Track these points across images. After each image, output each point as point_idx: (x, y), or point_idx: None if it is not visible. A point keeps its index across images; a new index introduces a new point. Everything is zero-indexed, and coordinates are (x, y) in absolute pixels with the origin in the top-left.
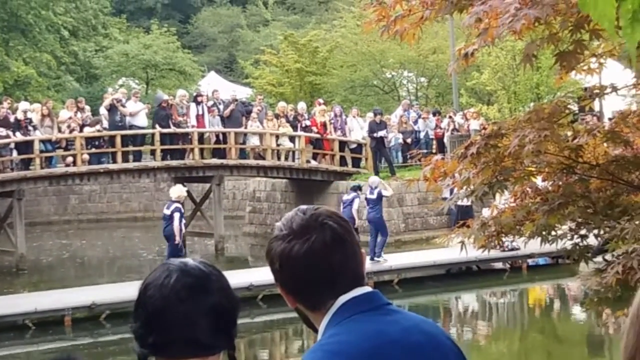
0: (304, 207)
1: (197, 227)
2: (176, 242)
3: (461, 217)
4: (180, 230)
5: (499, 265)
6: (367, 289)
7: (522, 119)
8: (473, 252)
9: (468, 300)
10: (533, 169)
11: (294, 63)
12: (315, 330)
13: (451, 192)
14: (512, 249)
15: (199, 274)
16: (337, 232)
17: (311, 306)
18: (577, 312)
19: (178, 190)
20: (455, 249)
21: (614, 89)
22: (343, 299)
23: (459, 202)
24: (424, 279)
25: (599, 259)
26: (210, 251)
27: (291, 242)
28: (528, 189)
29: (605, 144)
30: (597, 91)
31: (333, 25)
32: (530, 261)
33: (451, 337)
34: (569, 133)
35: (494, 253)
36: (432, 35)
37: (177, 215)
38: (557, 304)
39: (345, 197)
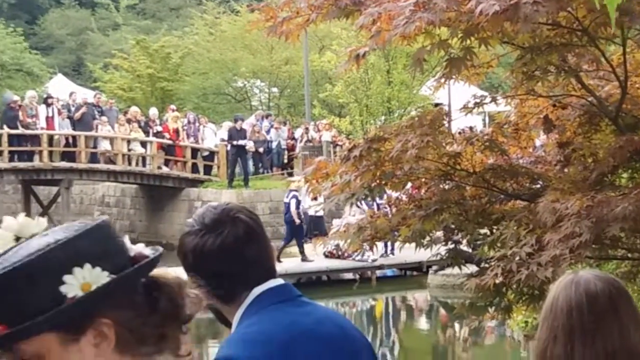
0: (213, 204)
1: None
2: (296, 223)
3: (314, 227)
4: (298, 213)
5: (349, 275)
6: (280, 281)
7: (405, 125)
8: (324, 262)
9: None
10: (412, 176)
11: (145, 68)
12: (228, 325)
13: (297, 204)
14: (362, 260)
15: None
16: (249, 226)
17: (225, 299)
18: (423, 322)
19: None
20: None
21: (494, 99)
22: (257, 290)
23: (310, 213)
24: None
25: (473, 267)
26: None
27: (204, 237)
28: (402, 195)
29: (481, 153)
30: (478, 101)
31: (184, 32)
32: (378, 272)
33: (360, 330)
34: (449, 140)
35: (345, 263)
36: (285, 46)
37: (293, 202)
38: (404, 315)
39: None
